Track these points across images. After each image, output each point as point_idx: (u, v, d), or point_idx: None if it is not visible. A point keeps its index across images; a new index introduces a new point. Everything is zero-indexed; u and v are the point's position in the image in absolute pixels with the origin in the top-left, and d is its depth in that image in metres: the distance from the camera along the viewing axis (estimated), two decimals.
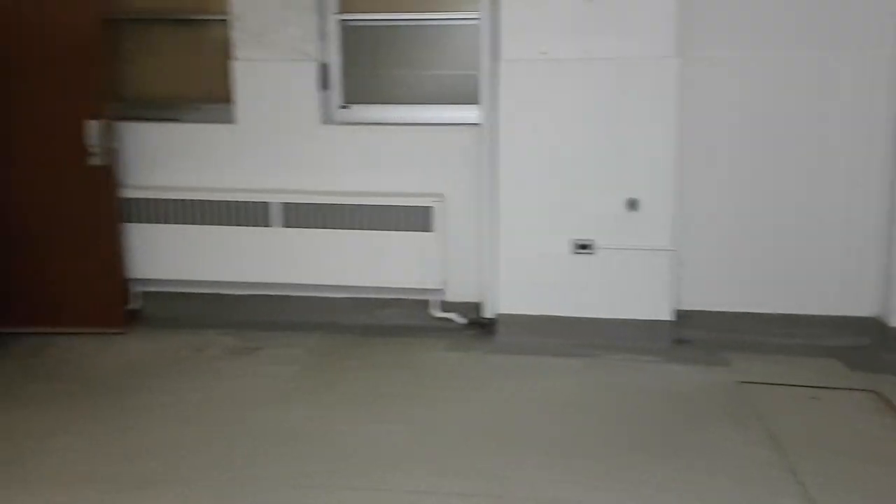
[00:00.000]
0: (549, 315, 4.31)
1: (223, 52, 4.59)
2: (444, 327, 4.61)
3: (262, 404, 3.57)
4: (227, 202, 4.55)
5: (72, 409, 3.54)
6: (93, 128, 4.37)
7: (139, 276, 4.72)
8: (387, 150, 4.55)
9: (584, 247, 4.23)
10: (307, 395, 3.68)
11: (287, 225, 4.53)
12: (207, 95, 4.73)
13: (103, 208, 4.52)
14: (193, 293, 4.75)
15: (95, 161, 4.41)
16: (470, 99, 4.54)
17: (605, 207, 4.19)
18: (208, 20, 4.68)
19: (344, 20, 4.64)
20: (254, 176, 4.62)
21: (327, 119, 4.65)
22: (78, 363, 4.13)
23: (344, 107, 4.72)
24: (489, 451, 3.12)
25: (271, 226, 4.54)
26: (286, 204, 4.51)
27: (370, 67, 4.70)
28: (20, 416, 3.43)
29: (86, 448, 3.15)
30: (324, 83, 4.60)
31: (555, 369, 3.99)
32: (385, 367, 4.04)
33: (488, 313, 4.49)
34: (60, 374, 3.97)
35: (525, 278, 4.31)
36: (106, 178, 4.47)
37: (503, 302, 4.37)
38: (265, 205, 4.53)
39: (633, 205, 4.16)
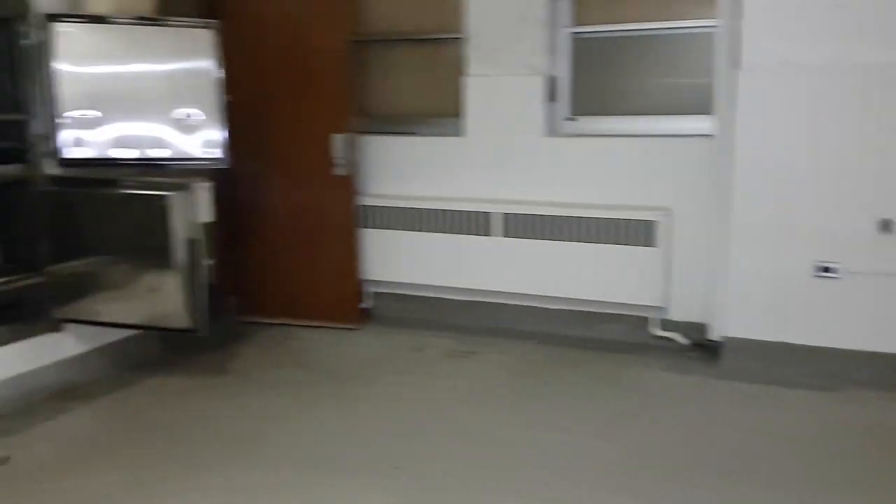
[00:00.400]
0: (782, 342, 3.95)
1: (456, 69, 4.76)
2: (665, 347, 4.40)
3: (471, 406, 3.63)
4: (452, 211, 4.69)
5: (308, 394, 3.82)
6: (339, 141, 4.71)
7: (372, 278, 5.01)
8: (612, 162, 4.45)
9: (827, 269, 3.84)
10: (514, 402, 3.68)
11: (507, 235, 4.58)
12: (440, 110, 4.92)
13: (344, 214, 4.85)
14: (418, 296, 4.95)
15: (340, 171, 4.75)
16: (701, 109, 4.31)
17: (853, 227, 3.76)
18: (444, 39, 4.88)
19: (576, 33, 4.62)
20: (479, 186, 4.73)
21: (553, 131, 4.64)
22: (316, 353, 4.47)
23: (570, 119, 4.69)
24: (704, 482, 2.91)
25: (492, 235, 4.62)
26: (507, 214, 4.56)
27: (599, 78, 4.63)
28: (262, 398, 3.77)
29: (318, 431, 3.38)
30: (551, 95, 4.60)
31: (788, 401, 3.64)
32: (596, 381, 3.93)
33: (714, 335, 4.21)
34: (300, 362, 4.31)
35: (758, 300, 3.98)
36: (348, 187, 4.81)
37: (731, 324, 4.08)
38: (486, 215, 4.61)
39: (886, 226, 3.71)
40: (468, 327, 4.77)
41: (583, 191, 4.50)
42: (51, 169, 3.58)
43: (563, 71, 4.65)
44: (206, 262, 3.54)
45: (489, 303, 4.80)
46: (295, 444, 3.25)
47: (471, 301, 4.84)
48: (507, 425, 3.42)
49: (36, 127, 3.54)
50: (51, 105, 3.51)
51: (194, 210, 3.50)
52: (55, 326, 3.65)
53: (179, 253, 3.47)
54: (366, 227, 4.93)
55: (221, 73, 3.74)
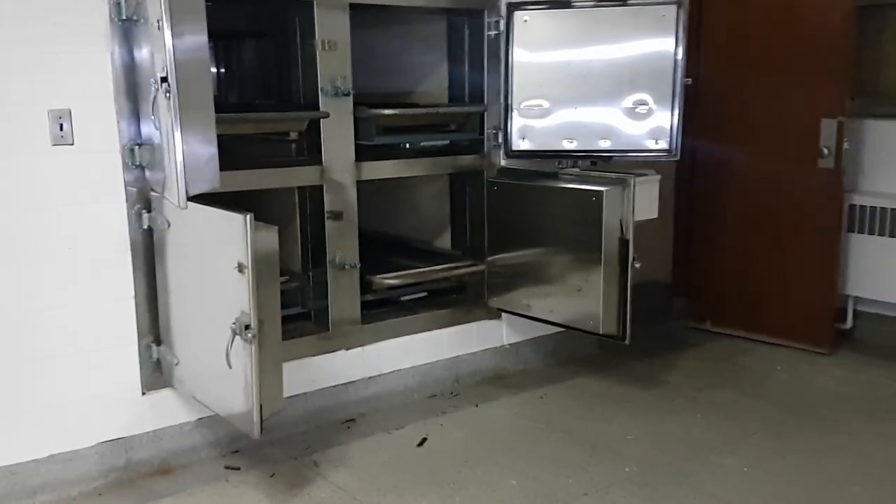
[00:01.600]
0: None
1: None
2: None
3: None
4: None
5: (748, 427, 3.24)
6: (828, 127, 3.87)
7: (854, 293, 4.10)
8: None
9: None
10: None
11: None
12: None
13: (827, 214, 4.00)
14: None
15: (826, 163, 3.91)
16: None
17: None
18: None
19: None
20: None
21: None
22: (769, 378, 3.80)
23: None
24: None
25: None
26: None
27: None
28: (689, 422, 3.29)
29: (752, 479, 2.80)
30: None
31: None
32: None
33: None
34: (747, 386, 3.69)
35: None
36: (834, 182, 3.94)
37: None
38: None
39: None
40: None
41: None
42: (499, 160, 3.58)
43: None
44: (636, 264, 3.16)
45: None
46: (720, 488, 2.73)
47: None
48: None
49: (491, 118, 3.56)
50: (505, 96, 3.48)
51: (630, 207, 3.14)
52: (494, 314, 3.69)
53: (608, 253, 3.16)
54: (853, 232, 4.06)
55: (682, 54, 3.28)
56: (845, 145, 3.88)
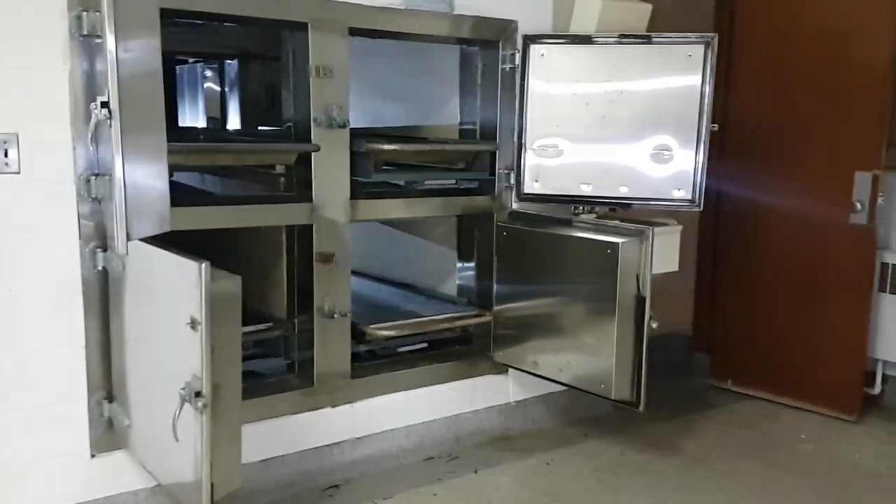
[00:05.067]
0: None
1: None
2: None
3: None
4: None
5: (776, 499, 2.74)
6: (861, 180, 3.38)
7: (886, 357, 3.58)
8: None
9: None
10: None
11: None
12: None
13: (856, 272, 3.50)
14: None
15: (858, 219, 3.42)
16: None
17: None
18: None
19: None
20: None
21: None
22: (796, 447, 3.28)
23: None
24: None
25: None
26: None
27: None
28: (718, 500, 2.77)
29: None
30: None
31: None
32: None
33: None
34: (774, 456, 3.17)
35: None
36: (865, 238, 3.45)
37: None
38: None
39: None
40: None
41: None
42: (510, 202, 3.12)
43: None
44: (653, 324, 2.67)
45: None
46: None
47: None
48: None
49: (503, 156, 3.11)
50: (519, 134, 3.03)
51: (647, 261, 2.66)
52: (500, 368, 3.20)
53: (622, 310, 2.68)
54: (884, 292, 3.55)
55: (709, 98, 2.82)
56: (880, 200, 3.39)
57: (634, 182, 2.91)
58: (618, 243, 2.65)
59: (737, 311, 3.89)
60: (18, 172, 2.07)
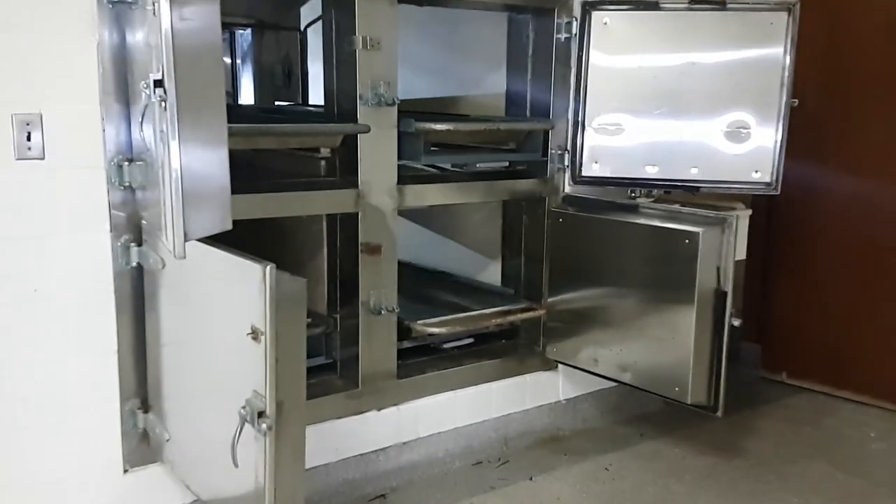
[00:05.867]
0: None
1: None
2: None
3: None
4: None
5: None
6: None
7: None
8: None
9: None
10: None
11: None
12: None
13: None
14: None
15: None
16: None
17: None
18: None
19: None
20: None
21: None
22: (862, 446, 3.13)
23: None
24: None
25: None
26: None
27: None
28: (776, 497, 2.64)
29: None
30: None
31: None
32: None
33: None
34: (839, 456, 3.01)
35: None
36: None
37: None
38: None
39: None
40: None
41: None
42: (564, 186, 2.92)
43: None
44: (735, 322, 2.50)
45: None
46: None
47: None
48: None
49: (557, 136, 2.90)
50: (576, 111, 2.82)
51: (730, 252, 2.48)
52: (549, 364, 3.03)
53: (700, 307, 2.50)
54: None
55: (790, 70, 2.62)
56: None
57: (707, 163, 2.71)
58: (697, 233, 2.46)
59: (793, 298, 3.71)
60: (43, 158, 1.85)
